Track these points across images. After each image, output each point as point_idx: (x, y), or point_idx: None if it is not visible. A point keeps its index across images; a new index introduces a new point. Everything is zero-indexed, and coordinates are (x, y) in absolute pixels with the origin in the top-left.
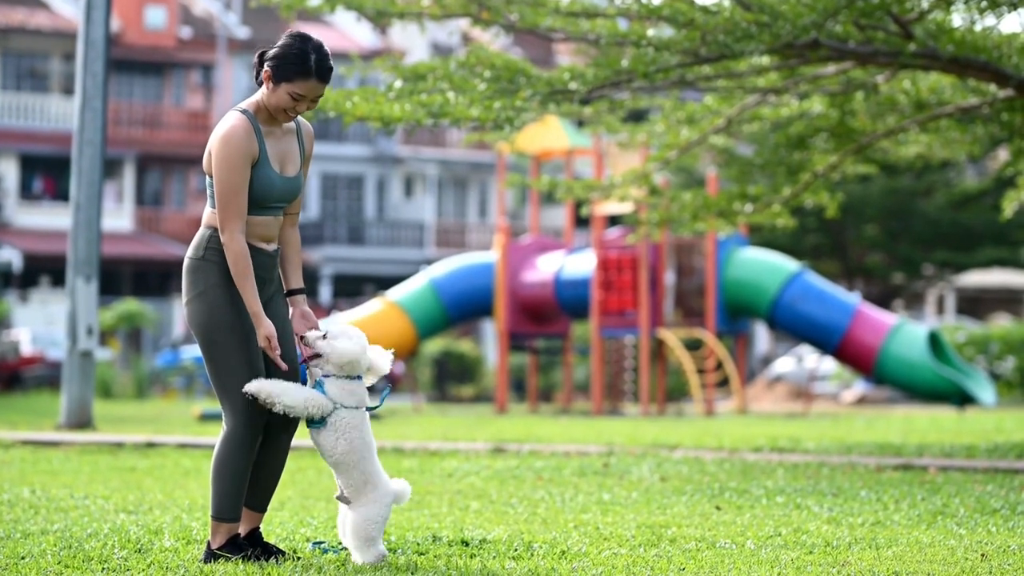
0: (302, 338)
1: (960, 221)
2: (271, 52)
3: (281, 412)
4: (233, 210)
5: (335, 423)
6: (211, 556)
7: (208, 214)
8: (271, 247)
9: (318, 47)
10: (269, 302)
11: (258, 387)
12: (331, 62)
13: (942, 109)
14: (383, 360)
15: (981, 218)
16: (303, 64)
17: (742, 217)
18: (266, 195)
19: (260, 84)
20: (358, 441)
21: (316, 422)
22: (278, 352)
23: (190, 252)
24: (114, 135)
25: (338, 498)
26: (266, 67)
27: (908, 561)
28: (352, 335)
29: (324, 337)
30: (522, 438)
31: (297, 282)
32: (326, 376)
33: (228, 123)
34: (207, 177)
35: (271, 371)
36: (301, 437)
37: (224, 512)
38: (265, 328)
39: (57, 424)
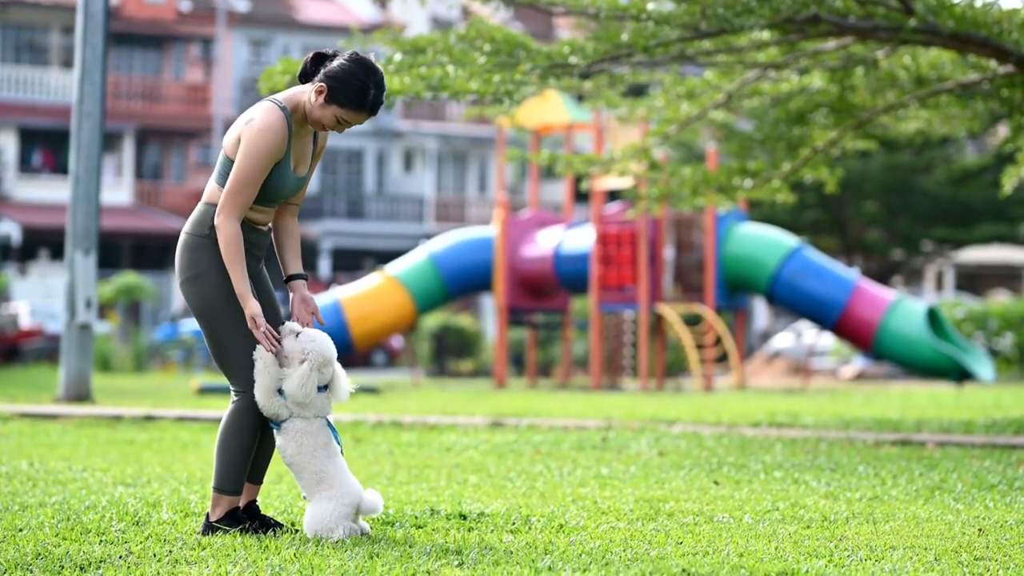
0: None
1: (959, 197)
2: (332, 69)
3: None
4: (242, 199)
5: (287, 428)
6: (209, 528)
7: (213, 190)
8: (267, 228)
9: (379, 82)
10: (259, 273)
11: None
12: (384, 95)
13: (942, 85)
14: (343, 388)
15: (980, 194)
16: (362, 98)
17: (741, 192)
18: (278, 192)
19: (303, 81)
20: (309, 444)
21: (274, 423)
22: (263, 330)
23: (191, 228)
24: (113, 108)
25: (305, 497)
26: (321, 82)
27: (905, 536)
28: (314, 353)
29: (296, 335)
30: (521, 412)
31: (296, 268)
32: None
33: (267, 116)
34: (223, 154)
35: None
36: None
37: (226, 484)
38: (251, 308)
39: (56, 397)
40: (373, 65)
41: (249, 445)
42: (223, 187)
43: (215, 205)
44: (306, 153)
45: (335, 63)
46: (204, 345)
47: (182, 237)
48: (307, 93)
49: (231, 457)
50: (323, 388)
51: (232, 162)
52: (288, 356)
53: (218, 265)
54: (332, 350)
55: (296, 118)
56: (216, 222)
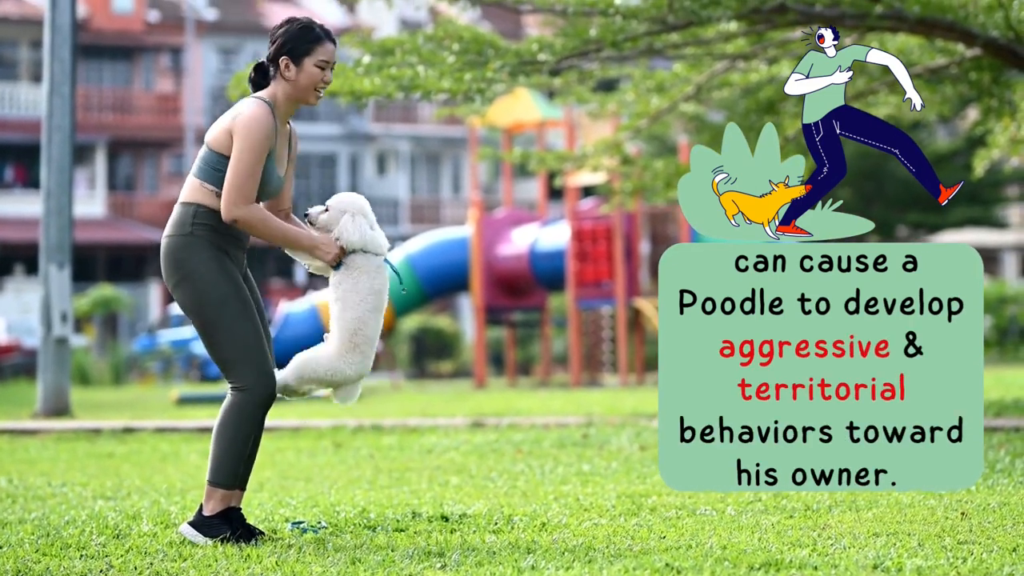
0: (306, 215)
1: None
2: (275, 45)
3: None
4: (248, 190)
5: (346, 262)
6: (200, 524)
7: (193, 187)
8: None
9: (308, 19)
10: (247, 274)
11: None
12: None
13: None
14: (381, 240)
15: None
16: (312, 32)
17: None
18: (263, 190)
19: (256, 88)
20: (364, 286)
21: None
22: (334, 252)
23: (173, 230)
24: (84, 121)
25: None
26: (282, 58)
27: (888, 522)
28: (350, 207)
29: (326, 210)
30: (501, 412)
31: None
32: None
33: (255, 107)
34: (206, 148)
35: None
36: (280, 418)
37: (219, 477)
38: (313, 240)
39: (34, 412)
40: (291, 16)
41: (244, 438)
42: (205, 181)
43: (194, 204)
44: (283, 155)
45: (271, 47)
46: (182, 355)
47: (164, 241)
48: (275, 87)
49: (225, 449)
50: None
51: (217, 155)
52: (328, 225)
53: (204, 261)
54: (364, 201)
55: (277, 115)
56: (232, 217)
